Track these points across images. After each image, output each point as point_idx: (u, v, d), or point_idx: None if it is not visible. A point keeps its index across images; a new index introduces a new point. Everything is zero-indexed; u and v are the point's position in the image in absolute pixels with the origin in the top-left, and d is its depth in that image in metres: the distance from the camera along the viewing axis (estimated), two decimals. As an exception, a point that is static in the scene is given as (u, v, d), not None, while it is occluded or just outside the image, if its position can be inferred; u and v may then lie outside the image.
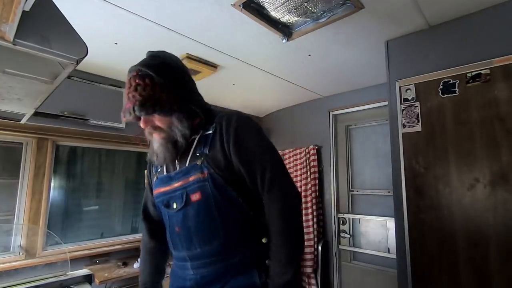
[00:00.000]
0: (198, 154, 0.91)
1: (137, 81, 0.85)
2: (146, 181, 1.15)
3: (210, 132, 0.92)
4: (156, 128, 0.91)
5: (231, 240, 0.87)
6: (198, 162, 0.89)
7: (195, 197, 0.88)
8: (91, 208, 2.54)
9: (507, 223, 1.34)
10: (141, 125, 0.92)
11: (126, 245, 2.58)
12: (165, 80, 0.88)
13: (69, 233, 2.37)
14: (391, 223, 2.46)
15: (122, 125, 2.60)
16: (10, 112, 1.31)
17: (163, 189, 0.97)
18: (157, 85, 0.86)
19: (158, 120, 0.90)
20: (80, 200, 2.48)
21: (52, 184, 2.30)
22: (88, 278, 1.57)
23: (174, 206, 0.92)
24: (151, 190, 1.10)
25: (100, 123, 2.46)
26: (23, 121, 1.42)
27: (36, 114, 1.41)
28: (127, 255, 2.56)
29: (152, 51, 0.96)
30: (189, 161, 0.92)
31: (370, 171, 2.72)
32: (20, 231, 2.11)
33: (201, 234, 0.88)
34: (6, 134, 2.05)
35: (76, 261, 2.21)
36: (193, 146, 0.93)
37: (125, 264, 2.34)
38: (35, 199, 2.15)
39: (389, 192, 2.49)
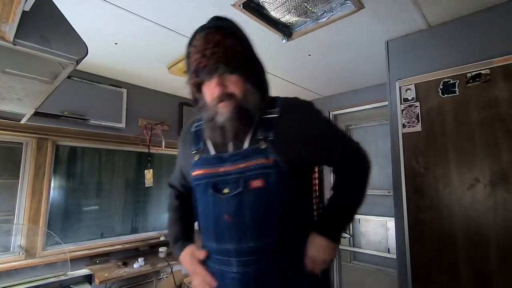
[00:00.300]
0: (260, 137, 0.82)
1: (217, 37, 0.77)
2: (178, 161, 1.04)
3: (275, 116, 0.85)
4: (229, 96, 0.80)
5: (287, 235, 0.81)
6: (262, 146, 0.81)
7: (256, 183, 0.79)
8: (91, 208, 2.54)
9: (507, 223, 1.33)
10: (214, 88, 0.79)
11: (126, 245, 2.58)
12: (243, 42, 0.82)
13: (69, 233, 2.37)
14: (391, 223, 2.46)
15: (122, 125, 2.60)
16: (10, 112, 1.31)
17: (208, 171, 0.85)
18: (238, 45, 0.79)
19: (234, 83, 0.80)
20: (80, 200, 2.48)
21: (52, 184, 2.30)
22: (88, 278, 1.57)
23: (226, 190, 0.82)
24: (182, 171, 1.00)
25: (100, 123, 2.46)
26: (23, 121, 1.42)
27: (36, 114, 1.41)
28: (127, 255, 2.56)
29: (218, 16, 0.88)
30: (249, 143, 0.83)
31: (370, 171, 2.72)
32: (20, 231, 2.11)
33: (257, 226, 0.79)
34: (6, 134, 2.05)
35: (76, 261, 2.21)
36: (252, 127, 0.84)
37: (125, 264, 2.34)
38: (35, 199, 2.15)
39: (389, 192, 2.49)
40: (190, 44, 0.82)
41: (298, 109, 0.88)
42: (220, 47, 0.76)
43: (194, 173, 0.89)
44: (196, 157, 0.90)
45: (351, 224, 2.79)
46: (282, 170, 0.80)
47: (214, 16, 0.88)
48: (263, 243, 0.80)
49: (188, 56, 0.84)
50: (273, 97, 0.92)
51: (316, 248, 0.83)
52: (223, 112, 0.80)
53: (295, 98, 0.92)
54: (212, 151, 0.88)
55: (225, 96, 0.79)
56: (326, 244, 0.83)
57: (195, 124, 0.98)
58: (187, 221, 1.02)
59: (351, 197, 0.90)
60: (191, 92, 0.88)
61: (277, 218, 0.80)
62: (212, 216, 0.85)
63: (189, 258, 0.91)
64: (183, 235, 0.97)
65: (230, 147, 0.85)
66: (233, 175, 0.82)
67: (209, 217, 0.86)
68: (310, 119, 0.87)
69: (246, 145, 0.83)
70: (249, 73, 0.81)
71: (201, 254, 0.88)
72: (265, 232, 0.80)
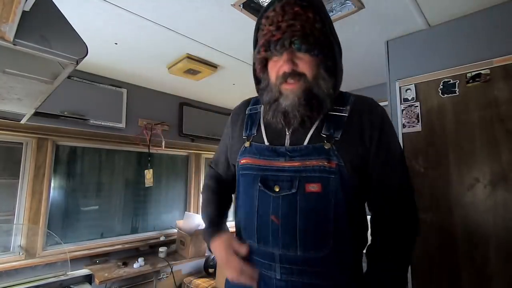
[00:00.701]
0: (324, 135, 0.73)
1: (296, 9, 0.69)
2: (223, 143, 0.95)
3: (344, 114, 0.76)
4: (299, 75, 0.71)
5: (338, 251, 0.71)
6: (326, 146, 0.71)
7: (313, 187, 0.70)
8: (91, 208, 2.54)
9: (507, 223, 1.33)
10: (282, 64, 0.71)
11: (126, 245, 2.58)
12: (324, 18, 0.73)
13: (69, 233, 2.37)
14: (391, 223, 2.46)
15: (122, 125, 2.60)
16: (10, 112, 1.31)
17: (259, 162, 0.77)
18: (317, 21, 0.71)
19: (306, 63, 0.71)
20: (80, 200, 2.47)
21: (52, 184, 2.30)
22: (88, 278, 1.57)
23: (276, 189, 0.73)
24: (226, 155, 0.91)
25: (100, 123, 2.47)
26: (23, 121, 1.42)
27: (36, 114, 1.42)
28: (127, 255, 2.56)
29: None
30: (310, 139, 0.74)
31: (370, 171, 2.71)
32: (20, 231, 2.11)
33: (309, 236, 0.70)
34: (6, 134, 2.05)
35: (76, 261, 2.21)
36: (316, 123, 0.75)
37: (125, 264, 2.34)
38: (35, 199, 2.15)
39: (389, 192, 2.48)
40: (262, 15, 0.75)
41: (372, 110, 0.77)
42: (298, 20, 0.68)
43: (242, 161, 0.81)
44: (247, 144, 0.81)
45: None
46: (344, 178, 0.70)
47: None
48: (312, 254, 0.71)
49: (257, 28, 0.77)
50: (344, 92, 0.83)
51: None
52: (289, 94, 0.72)
53: (370, 99, 0.82)
54: (266, 141, 0.78)
55: (294, 74, 0.71)
56: None
57: (250, 107, 0.89)
58: (225, 205, 0.92)
59: (399, 277, 0.73)
60: (255, 69, 0.80)
61: (330, 230, 0.70)
62: (257, 213, 0.75)
63: (224, 247, 0.78)
64: (220, 219, 0.87)
65: (287, 140, 0.76)
66: (287, 173, 0.73)
67: (253, 214, 0.76)
68: (382, 124, 0.75)
69: (306, 141, 0.74)
70: (325, 55, 0.72)
71: (243, 249, 0.76)
72: (316, 244, 0.71)
